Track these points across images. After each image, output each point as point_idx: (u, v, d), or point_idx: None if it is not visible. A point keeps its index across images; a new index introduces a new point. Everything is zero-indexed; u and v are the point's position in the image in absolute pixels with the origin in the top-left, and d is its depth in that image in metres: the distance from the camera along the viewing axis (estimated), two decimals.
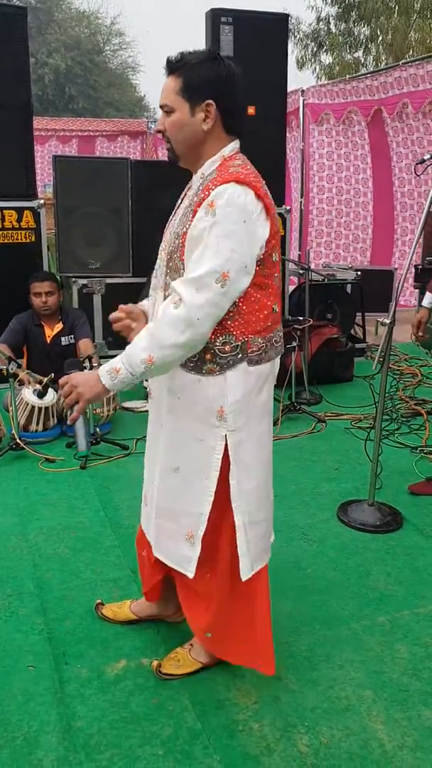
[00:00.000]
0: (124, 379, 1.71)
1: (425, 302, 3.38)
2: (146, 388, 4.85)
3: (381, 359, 2.90)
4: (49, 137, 12.42)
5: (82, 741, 1.86)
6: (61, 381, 1.79)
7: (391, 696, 2.03)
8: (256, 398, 1.82)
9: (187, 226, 1.72)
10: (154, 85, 23.93)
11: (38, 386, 3.92)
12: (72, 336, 4.36)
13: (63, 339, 4.34)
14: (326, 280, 5.51)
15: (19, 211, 4.73)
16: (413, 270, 5.81)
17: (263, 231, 1.69)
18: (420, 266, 5.85)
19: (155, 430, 1.98)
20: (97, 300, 4.93)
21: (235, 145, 1.79)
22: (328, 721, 1.93)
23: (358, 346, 5.66)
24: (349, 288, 5.83)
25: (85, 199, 4.74)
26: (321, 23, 17.56)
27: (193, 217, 1.69)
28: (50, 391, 3.97)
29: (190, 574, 1.91)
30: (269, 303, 1.78)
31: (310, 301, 4.85)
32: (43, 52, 21.67)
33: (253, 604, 1.97)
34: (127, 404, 4.53)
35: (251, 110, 4.90)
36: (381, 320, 2.89)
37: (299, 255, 8.32)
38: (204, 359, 1.75)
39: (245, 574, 1.90)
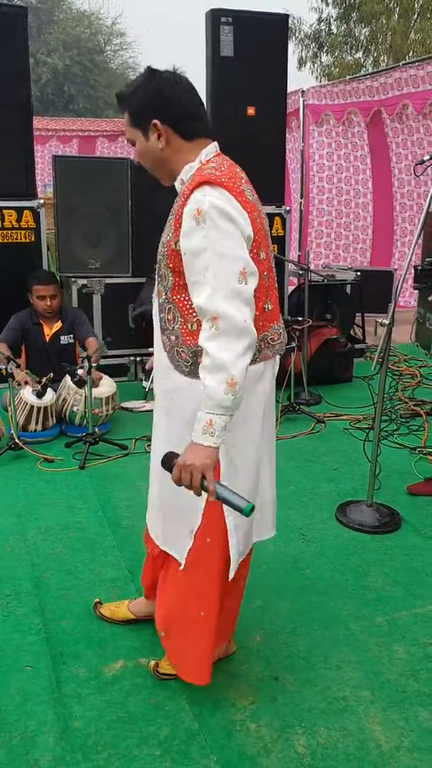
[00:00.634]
0: (221, 423, 1.64)
1: None
2: (144, 389, 4.80)
3: (380, 360, 2.90)
4: (49, 137, 12.42)
5: (80, 741, 1.86)
6: (174, 477, 1.68)
7: (389, 697, 2.03)
8: (249, 398, 1.83)
9: (170, 234, 1.73)
10: None
11: (37, 386, 3.91)
12: (71, 335, 4.36)
13: (62, 338, 4.34)
14: (326, 280, 5.51)
15: (19, 210, 4.73)
16: (413, 271, 5.81)
17: (247, 228, 1.69)
18: (419, 267, 5.85)
19: (156, 430, 1.99)
20: (96, 300, 4.93)
21: (212, 147, 1.79)
22: (325, 721, 1.93)
23: (357, 346, 5.66)
24: (348, 288, 5.83)
25: (85, 200, 4.75)
26: (322, 24, 17.59)
27: (176, 224, 1.70)
28: (49, 390, 3.97)
29: (183, 561, 1.91)
30: (259, 303, 1.78)
31: (310, 301, 4.85)
32: (42, 51, 21.69)
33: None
34: (126, 404, 4.53)
35: (251, 111, 4.91)
36: (380, 321, 2.88)
37: (299, 255, 8.32)
38: (197, 363, 1.75)
39: (231, 573, 1.91)
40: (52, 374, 4.04)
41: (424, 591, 2.56)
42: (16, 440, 3.70)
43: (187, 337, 1.76)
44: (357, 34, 17.30)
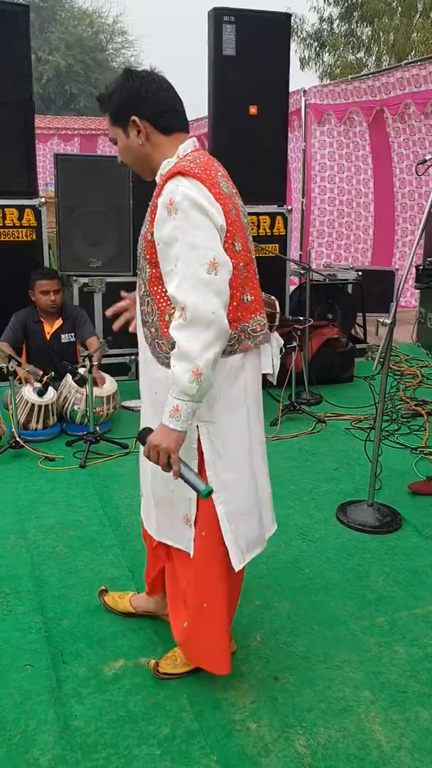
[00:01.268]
0: (188, 409, 1.67)
1: None
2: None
3: (381, 360, 2.90)
4: (51, 135, 12.43)
5: (79, 740, 1.86)
6: (144, 453, 1.80)
7: (389, 697, 2.03)
8: (230, 389, 1.83)
9: (146, 225, 1.76)
10: None
11: (38, 384, 3.91)
12: (72, 333, 4.35)
13: (63, 336, 4.34)
14: (327, 280, 5.51)
15: (21, 209, 4.73)
16: (414, 271, 5.81)
17: (220, 219, 1.69)
18: (421, 267, 5.85)
19: (143, 423, 2.01)
20: (97, 298, 4.93)
21: (189, 143, 1.82)
22: (325, 721, 1.93)
23: (358, 346, 5.65)
24: (349, 288, 5.83)
25: (87, 198, 4.74)
26: (324, 23, 17.57)
27: (152, 216, 1.72)
28: (50, 389, 3.97)
29: (191, 552, 1.93)
30: (237, 293, 1.79)
31: (311, 301, 4.84)
32: (44, 49, 21.68)
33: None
34: (126, 403, 4.53)
35: (253, 110, 4.90)
36: (381, 320, 2.88)
37: (300, 255, 8.32)
38: None
39: (236, 564, 1.91)
40: (53, 372, 4.03)
41: (425, 591, 2.56)
42: (17, 439, 3.70)
43: (165, 329, 1.77)
44: (359, 33, 17.29)
